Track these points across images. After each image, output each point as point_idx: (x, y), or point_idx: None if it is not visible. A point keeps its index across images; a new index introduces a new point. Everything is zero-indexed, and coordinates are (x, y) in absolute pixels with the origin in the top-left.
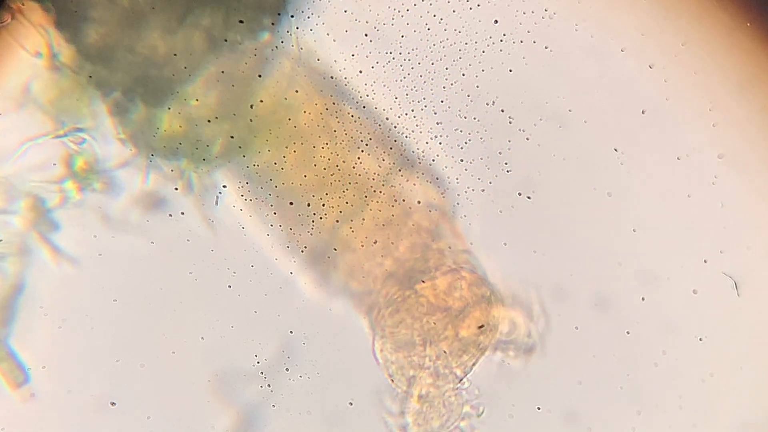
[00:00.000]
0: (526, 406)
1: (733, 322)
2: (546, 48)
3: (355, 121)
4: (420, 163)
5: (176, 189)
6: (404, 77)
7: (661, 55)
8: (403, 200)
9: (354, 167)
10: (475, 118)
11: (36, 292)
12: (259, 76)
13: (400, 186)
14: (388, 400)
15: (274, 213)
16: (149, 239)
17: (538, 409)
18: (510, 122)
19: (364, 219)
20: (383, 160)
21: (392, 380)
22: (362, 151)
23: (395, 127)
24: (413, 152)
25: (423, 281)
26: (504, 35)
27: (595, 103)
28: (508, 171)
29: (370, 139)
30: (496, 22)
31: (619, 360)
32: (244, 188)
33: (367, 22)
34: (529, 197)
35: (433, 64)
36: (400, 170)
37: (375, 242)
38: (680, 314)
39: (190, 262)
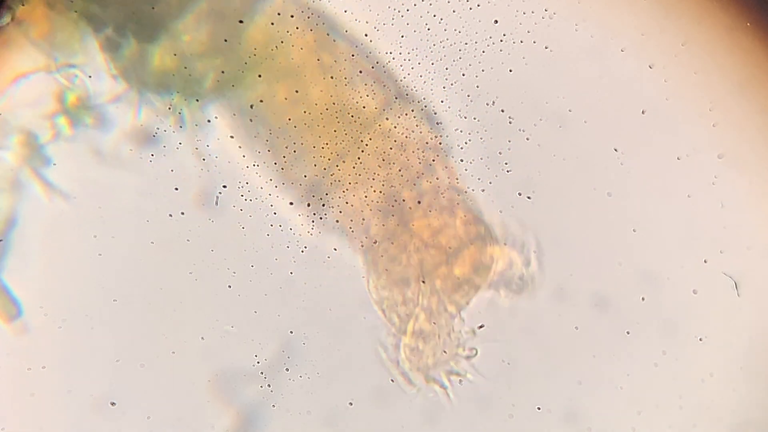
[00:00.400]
0: (526, 406)
1: (733, 322)
2: (546, 48)
3: (348, 56)
4: (413, 98)
5: (176, 189)
6: (404, 77)
7: (661, 55)
8: (397, 137)
9: (347, 102)
10: (475, 118)
11: (28, 227)
12: (250, 11)
13: (394, 122)
14: (383, 336)
15: (268, 150)
16: (140, 175)
17: (538, 409)
18: (510, 122)
19: (358, 155)
20: (376, 95)
21: (386, 317)
22: (355, 85)
23: (388, 62)
24: (406, 88)
25: (417, 219)
26: (504, 35)
27: (595, 103)
28: (508, 171)
29: (364, 74)
30: (496, 22)
31: (619, 360)
32: (236, 124)
33: (367, 23)
34: (529, 197)
35: (433, 64)
36: (393, 106)
37: (369, 179)
38: (680, 314)
39: (190, 262)
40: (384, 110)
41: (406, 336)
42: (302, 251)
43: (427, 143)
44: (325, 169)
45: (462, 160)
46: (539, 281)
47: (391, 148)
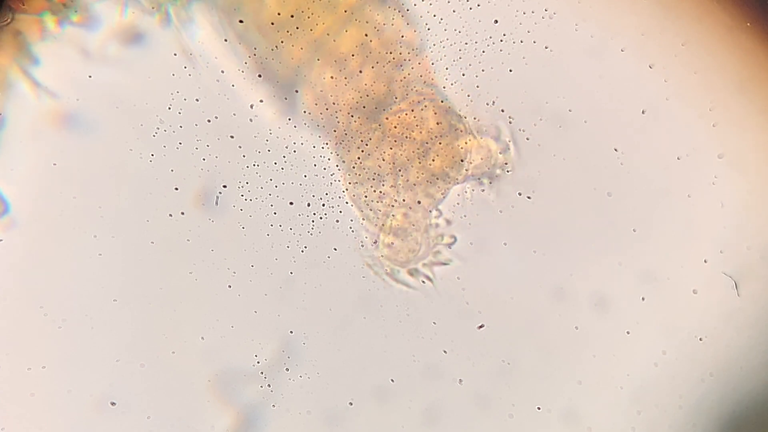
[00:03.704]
0: (526, 406)
1: (733, 322)
2: (546, 48)
3: None
4: None
5: (176, 189)
6: (404, 77)
7: (661, 55)
8: (372, 30)
9: None
10: (475, 118)
11: (17, 126)
12: None
13: (370, 15)
14: (361, 235)
15: (246, 46)
16: (132, 66)
17: (538, 409)
18: (510, 122)
19: (331, 50)
20: None
21: (362, 214)
22: None
23: None
24: None
25: (389, 113)
26: (504, 35)
27: (595, 103)
28: (508, 171)
29: None
30: (496, 22)
31: (619, 360)
32: (217, 21)
33: (367, 23)
34: (529, 197)
35: (433, 63)
36: (369, 2)
37: (342, 74)
38: (680, 314)
39: (190, 262)
40: (360, 7)
41: (383, 233)
42: (302, 251)
43: (402, 38)
44: (298, 63)
45: (462, 161)
46: (517, 169)
47: (368, 39)
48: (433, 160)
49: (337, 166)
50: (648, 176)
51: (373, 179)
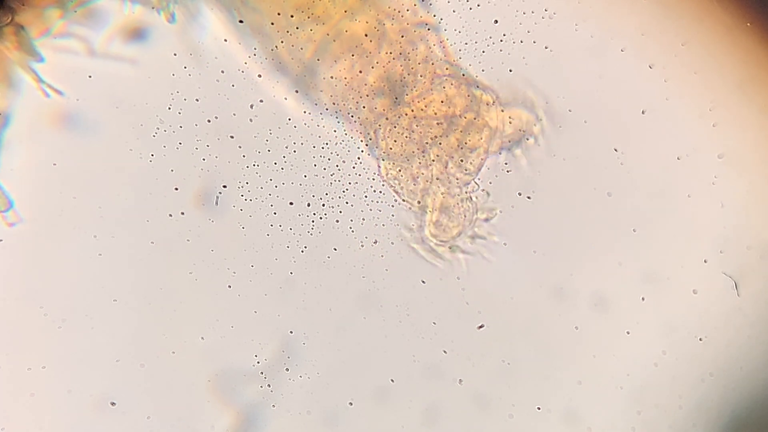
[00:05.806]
0: (526, 406)
1: (733, 322)
2: (546, 48)
3: None
4: None
5: (176, 189)
6: (404, 77)
7: (661, 55)
8: (388, 13)
9: None
10: (475, 118)
11: (22, 124)
12: None
13: (383, 2)
14: (405, 216)
15: (257, 39)
16: (132, 65)
17: (538, 409)
18: (510, 122)
19: (348, 32)
20: None
21: (403, 198)
22: None
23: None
24: None
25: (412, 94)
26: (504, 35)
27: (595, 103)
28: (508, 171)
29: None
30: (496, 22)
31: (619, 360)
32: (227, 16)
33: (367, 23)
34: (529, 197)
35: (433, 63)
36: None
37: (361, 56)
38: (680, 314)
39: (190, 262)
40: None
41: (428, 212)
42: (302, 251)
43: (418, 19)
44: (313, 54)
45: (462, 160)
46: (551, 138)
47: (383, 25)
48: (462, 134)
49: (368, 153)
50: (648, 176)
51: (406, 161)
